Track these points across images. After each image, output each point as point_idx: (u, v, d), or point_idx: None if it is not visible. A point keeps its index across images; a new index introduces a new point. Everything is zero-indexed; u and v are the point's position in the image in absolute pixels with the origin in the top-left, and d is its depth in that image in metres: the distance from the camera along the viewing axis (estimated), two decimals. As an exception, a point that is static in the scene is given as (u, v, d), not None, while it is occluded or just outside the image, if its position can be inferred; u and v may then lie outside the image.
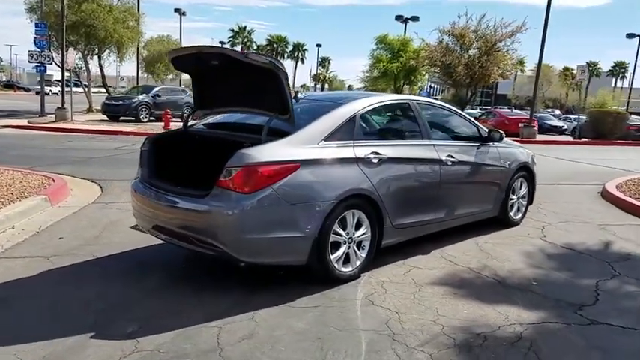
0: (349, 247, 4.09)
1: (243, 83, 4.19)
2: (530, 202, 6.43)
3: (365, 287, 4.04)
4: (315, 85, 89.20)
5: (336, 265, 3.98)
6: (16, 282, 4.02)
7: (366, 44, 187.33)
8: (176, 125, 20.45)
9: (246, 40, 71.41)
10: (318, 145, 3.95)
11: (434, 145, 4.94)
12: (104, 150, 12.68)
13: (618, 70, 72.30)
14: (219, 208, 3.60)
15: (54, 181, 7.44)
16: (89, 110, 26.84)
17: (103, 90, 32.28)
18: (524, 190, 6.26)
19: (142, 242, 4.92)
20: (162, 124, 19.62)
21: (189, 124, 4.83)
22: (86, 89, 29.05)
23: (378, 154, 4.27)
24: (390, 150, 4.40)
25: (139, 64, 36.09)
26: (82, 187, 7.90)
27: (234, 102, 4.43)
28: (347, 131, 4.19)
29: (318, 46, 54.55)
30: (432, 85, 53.11)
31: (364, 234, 4.19)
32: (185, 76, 51.30)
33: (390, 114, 4.69)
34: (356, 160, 4.10)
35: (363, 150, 4.19)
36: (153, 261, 4.64)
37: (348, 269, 4.09)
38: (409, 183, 4.56)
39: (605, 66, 74.03)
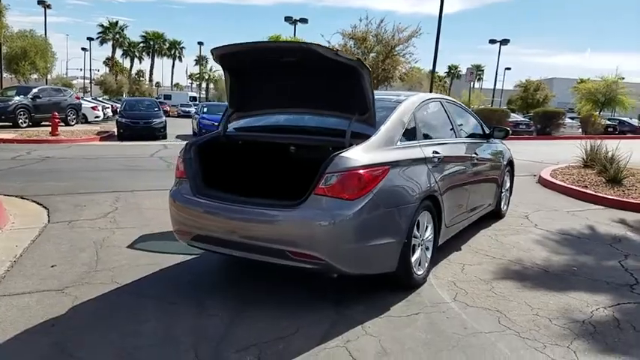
0: (421, 249, 4.00)
1: (315, 83, 3.89)
2: (510, 194, 6.84)
3: (443, 289, 3.98)
4: (192, 83, 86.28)
5: (414, 269, 3.87)
6: (56, 326, 3.30)
7: None
8: (63, 130, 18.55)
9: (118, 36, 66.61)
10: (397, 146, 3.80)
11: (464, 142, 5.04)
12: (1, 161, 11.03)
13: (476, 72, 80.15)
14: (322, 217, 3.29)
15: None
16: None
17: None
18: (508, 183, 6.65)
19: (157, 262, 4.47)
20: (47, 129, 17.59)
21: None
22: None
23: (437, 152, 4.24)
24: (442, 148, 4.39)
25: (1, 63, 31.91)
26: (14, 205, 6.73)
27: (294, 103, 4.09)
28: (412, 131, 4.11)
29: (200, 43, 52.63)
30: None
31: (430, 235, 4.13)
32: (51, 75, 46.47)
33: (430, 112, 4.67)
34: (425, 160, 4.03)
35: (427, 150, 4.13)
36: (194, 281, 4.12)
37: (420, 273, 3.99)
38: (455, 181, 4.58)
39: (463, 69, 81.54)
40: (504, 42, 44.89)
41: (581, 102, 44.44)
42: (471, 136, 5.54)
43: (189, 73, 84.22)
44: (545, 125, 26.33)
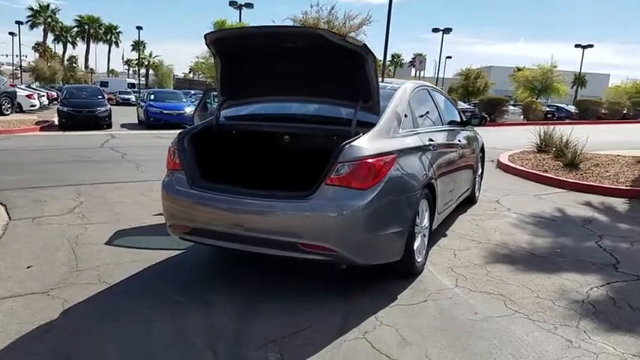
0: (420, 237, 4.01)
1: (316, 69, 3.77)
2: (481, 179, 7.02)
3: (442, 276, 4.02)
4: (129, 70, 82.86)
5: (415, 257, 3.88)
6: (51, 332, 3.07)
7: (198, 30, 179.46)
8: None
9: (49, 20, 62.68)
10: (399, 134, 3.77)
11: (451, 130, 5.10)
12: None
13: (424, 62, 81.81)
14: (334, 208, 3.21)
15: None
16: None
17: None
18: (480, 169, 6.81)
19: (142, 259, 4.26)
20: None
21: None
22: None
23: (432, 140, 4.25)
24: (434, 136, 4.41)
25: None
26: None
27: (292, 90, 3.95)
28: (409, 119, 4.09)
29: (139, 28, 49.98)
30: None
31: (426, 222, 4.15)
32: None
33: (421, 100, 4.66)
34: (423, 148, 4.03)
35: (424, 137, 4.14)
36: (188, 277, 3.95)
37: (420, 260, 4.01)
38: (445, 168, 4.62)
39: (406, 57, 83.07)
40: (447, 31, 45.91)
41: (519, 89, 46.53)
42: (452, 123, 5.61)
43: (125, 59, 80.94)
44: (490, 112, 27.30)
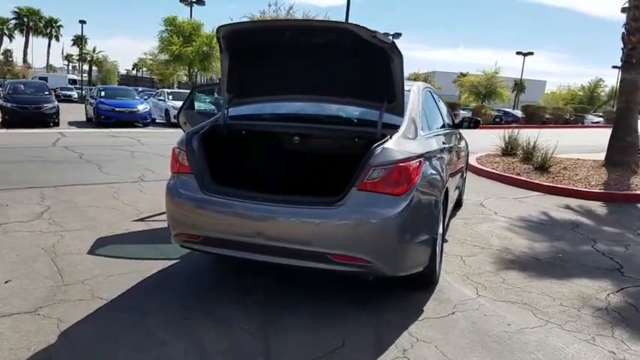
0: (438, 244, 3.87)
1: (338, 67, 3.53)
2: (464, 182, 7.01)
3: (460, 284, 3.89)
4: (68, 65, 79.12)
5: (437, 265, 3.73)
6: (54, 358, 2.68)
7: (145, 26, 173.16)
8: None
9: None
10: (421, 136, 3.61)
11: (452, 132, 5.00)
12: None
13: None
14: (369, 215, 2.99)
15: None
16: None
17: None
18: (465, 172, 6.79)
19: (135, 270, 3.92)
20: None
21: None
22: None
23: (444, 143, 4.13)
24: (444, 138, 4.29)
25: None
26: None
27: (308, 88, 3.69)
28: (424, 121, 3.94)
29: (82, 22, 47.67)
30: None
31: (441, 228, 4.01)
32: None
33: (429, 101, 4.51)
34: (440, 151, 3.89)
35: (439, 140, 4.01)
36: (193, 289, 3.62)
37: (438, 268, 3.86)
38: (451, 171, 4.51)
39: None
40: (396, 36, 46.76)
41: (464, 94, 47.95)
42: (448, 125, 5.53)
43: (65, 54, 77.18)
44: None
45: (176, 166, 3.47)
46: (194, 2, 36.39)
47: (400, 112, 3.47)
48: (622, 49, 9.52)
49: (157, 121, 21.13)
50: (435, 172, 3.57)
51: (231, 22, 3.35)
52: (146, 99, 23.30)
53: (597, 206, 7.14)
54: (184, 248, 3.60)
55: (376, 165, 3.03)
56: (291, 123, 3.78)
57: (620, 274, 4.28)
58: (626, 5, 10.14)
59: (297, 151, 4.00)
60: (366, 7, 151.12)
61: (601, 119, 42.77)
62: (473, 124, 5.95)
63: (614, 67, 47.15)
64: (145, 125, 18.75)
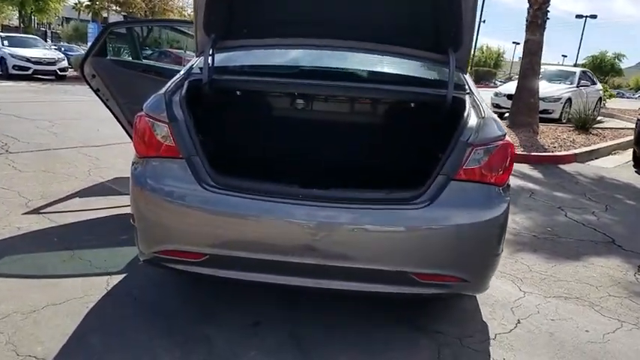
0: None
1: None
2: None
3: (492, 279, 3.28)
4: None
5: None
6: None
7: None
8: None
9: None
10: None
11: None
12: None
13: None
14: (474, 215, 2.16)
15: None
16: None
17: None
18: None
19: (57, 297, 2.71)
20: None
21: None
22: None
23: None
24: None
25: None
26: None
27: (330, 27, 2.59)
28: None
29: None
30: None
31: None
32: None
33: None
34: None
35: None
36: (172, 310, 2.49)
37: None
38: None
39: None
40: None
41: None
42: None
43: None
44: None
45: (151, 147, 2.23)
46: None
47: (464, 64, 2.63)
48: (527, 9, 9.62)
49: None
50: None
51: None
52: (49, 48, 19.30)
53: (529, 169, 7.10)
54: (165, 270, 2.43)
55: (479, 144, 2.18)
56: (307, 80, 2.68)
57: (621, 249, 4.05)
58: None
59: (319, 122, 2.93)
60: None
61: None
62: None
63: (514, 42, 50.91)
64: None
